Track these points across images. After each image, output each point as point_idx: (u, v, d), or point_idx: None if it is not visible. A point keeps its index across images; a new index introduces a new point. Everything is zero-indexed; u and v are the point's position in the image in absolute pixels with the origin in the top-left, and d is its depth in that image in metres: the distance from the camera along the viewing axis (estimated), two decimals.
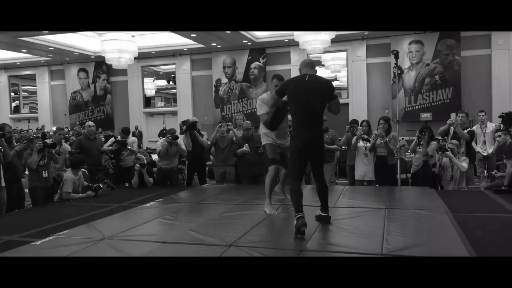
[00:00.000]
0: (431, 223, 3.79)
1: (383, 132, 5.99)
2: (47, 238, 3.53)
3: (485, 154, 7.32)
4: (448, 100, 13.13)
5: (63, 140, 6.60)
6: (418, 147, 6.00)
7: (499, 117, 7.19)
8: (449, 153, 5.62)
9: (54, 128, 11.77)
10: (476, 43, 13.09)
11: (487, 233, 3.51)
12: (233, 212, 4.40)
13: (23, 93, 19.74)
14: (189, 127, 6.70)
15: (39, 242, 3.43)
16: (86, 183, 5.78)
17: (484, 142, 7.42)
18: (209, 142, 6.79)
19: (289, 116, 4.33)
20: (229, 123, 6.86)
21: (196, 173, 7.12)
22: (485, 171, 7.45)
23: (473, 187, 6.26)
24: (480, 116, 7.62)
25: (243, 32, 13.01)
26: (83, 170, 6.08)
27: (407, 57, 13.47)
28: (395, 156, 6.05)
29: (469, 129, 7.05)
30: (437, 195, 5.05)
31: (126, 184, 6.83)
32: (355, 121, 6.92)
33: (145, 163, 6.46)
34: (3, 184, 4.93)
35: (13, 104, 19.28)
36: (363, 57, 14.12)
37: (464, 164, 5.62)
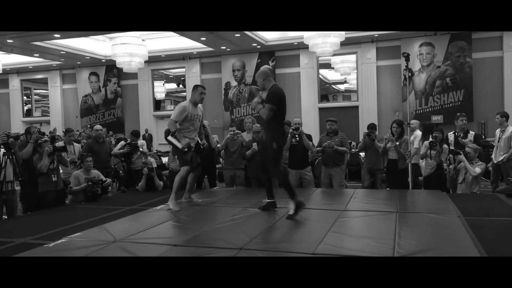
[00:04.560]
0: (443, 227, 3.75)
1: (394, 136, 5.95)
2: (60, 241, 3.56)
3: (495, 161, 6.54)
4: (459, 103, 13.01)
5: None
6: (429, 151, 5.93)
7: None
8: (461, 156, 5.54)
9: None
10: (488, 45, 12.93)
11: (501, 237, 3.47)
12: (243, 215, 4.40)
13: (35, 96, 20.02)
14: None
15: (52, 244, 3.46)
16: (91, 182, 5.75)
17: (497, 148, 6.54)
18: (219, 145, 6.80)
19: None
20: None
21: (206, 176, 7.12)
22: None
23: (485, 191, 6.18)
24: (497, 118, 6.66)
25: (253, 35, 12.99)
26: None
27: (417, 59, 13.36)
28: (406, 160, 6.00)
29: (472, 132, 6.39)
30: (449, 198, 5.00)
31: (137, 187, 6.86)
32: (373, 126, 6.74)
33: (153, 167, 6.46)
34: (15, 187, 4.98)
35: (25, 108, 19.53)
36: (373, 59, 14.04)
37: (477, 169, 5.49)
